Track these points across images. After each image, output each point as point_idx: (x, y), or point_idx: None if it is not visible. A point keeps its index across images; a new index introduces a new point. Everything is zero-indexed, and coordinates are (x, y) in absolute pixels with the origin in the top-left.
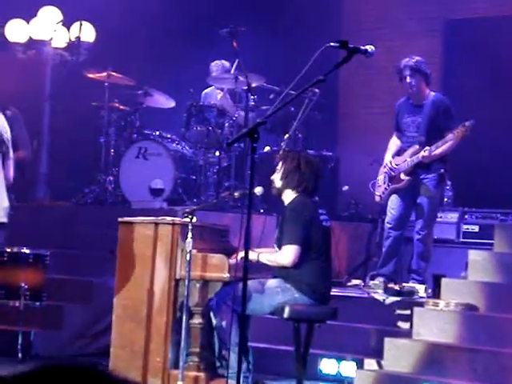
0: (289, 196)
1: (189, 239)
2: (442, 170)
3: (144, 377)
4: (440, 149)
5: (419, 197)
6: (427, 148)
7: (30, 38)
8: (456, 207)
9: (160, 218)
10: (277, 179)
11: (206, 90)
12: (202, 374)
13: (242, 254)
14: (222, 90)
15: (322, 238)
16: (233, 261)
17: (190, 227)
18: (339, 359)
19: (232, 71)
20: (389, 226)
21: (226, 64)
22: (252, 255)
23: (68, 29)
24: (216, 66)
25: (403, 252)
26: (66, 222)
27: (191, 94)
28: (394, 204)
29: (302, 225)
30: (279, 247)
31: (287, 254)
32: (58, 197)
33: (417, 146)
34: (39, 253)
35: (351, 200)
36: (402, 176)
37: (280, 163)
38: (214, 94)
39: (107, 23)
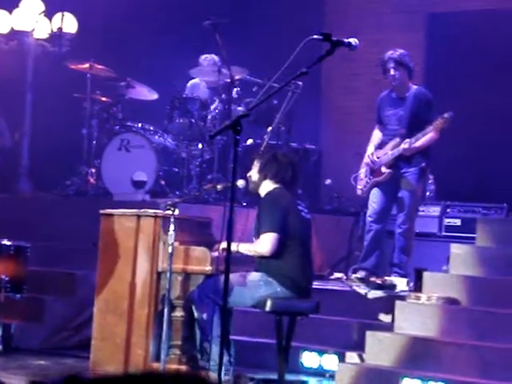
0: (266, 187)
1: (171, 232)
2: (424, 164)
3: (125, 370)
4: (420, 141)
5: (400, 190)
6: (407, 140)
7: (12, 29)
8: (438, 201)
9: (142, 210)
10: (254, 174)
11: (191, 82)
12: (183, 367)
13: (223, 245)
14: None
15: (301, 229)
16: (215, 253)
17: (172, 220)
18: (321, 352)
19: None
20: (370, 219)
21: (216, 58)
22: (232, 246)
23: (50, 20)
24: (206, 60)
25: (385, 246)
26: (48, 213)
27: (174, 86)
28: (375, 197)
29: (279, 213)
30: (257, 237)
31: (265, 243)
32: (40, 188)
33: (398, 139)
34: (20, 245)
35: (334, 193)
36: (383, 169)
37: (256, 160)
38: (200, 86)
39: (89, 14)
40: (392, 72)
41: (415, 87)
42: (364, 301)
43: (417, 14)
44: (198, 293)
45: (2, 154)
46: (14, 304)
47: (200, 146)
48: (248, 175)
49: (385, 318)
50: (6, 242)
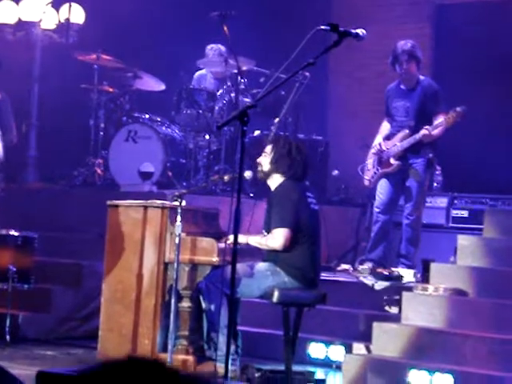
0: (276, 180)
1: (178, 223)
2: (431, 155)
3: None
4: (436, 130)
5: (408, 180)
6: (427, 127)
7: (19, 20)
8: (445, 192)
9: (149, 201)
10: (265, 163)
11: (198, 73)
12: (190, 357)
13: (231, 236)
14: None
15: (310, 221)
16: (222, 244)
17: (179, 211)
18: (328, 343)
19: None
20: (377, 210)
21: (223, 48)
22: (242, 238)
23: (57, 10)
24: (212, 49)
25: (392, 237)
26: (55, 204)
27: (181, 76)
28: (382, 188)
29: (290, 208)
30: (268, 232)
31: (278, 238)
32: (47, 179)
33: (406, 131)
34: (27, 235)
35: (341, 184)
36: (392, 160)
37: (270, 147)
38: (207, 77)
39: (97, 5)
40: (405, 65)
41: (422, 78)
42: (371, 292)
43: (424, 4)
44: (206, 283)
45: (8, 148)
46: (21, 294)
47: (207, 137)
48: (258, 161)
49: (392, 309)
50: (13, 232)
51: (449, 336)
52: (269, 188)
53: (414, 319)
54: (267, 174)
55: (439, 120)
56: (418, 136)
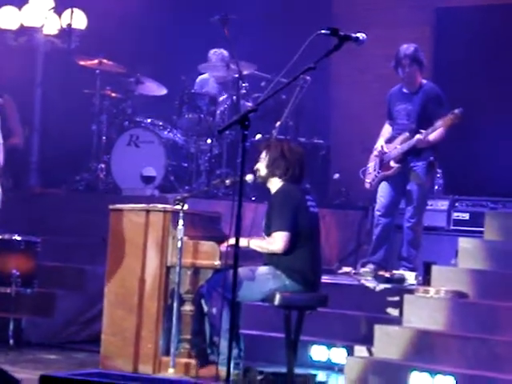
0: (275, 184)
1: (180, 226)
2: (432, 158)
3: (135, 363)
4: (432, 135)
5: (409, 183)
6: (422, 131)
7: (22, 25)
8: (446, 195)
9: (151, 205)
10: (262, 168)
11: (201, 77)
12: (192, 361)
13: (232, 240)
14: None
15: (310, 224)
16: (224, 248)
17: (181, 214)
18: (329, 346)
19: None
20: (378, 213)
21: (225, 53)
22: (242, 241)
23: (59, 16)
24: (215, 54)
25: (393, 239)
26: (58, 209)
27: (183, 81)
28: (383, 191)
29: (289, 211)
30: (268, 235)
31: (278, 241)
32: (50, 184)
33: (407, 134)
34: (30, 240)
35: (342, 188)
36: (392, 163)
37: (264, 152)
38: (209, 82)
39: (99, 10)
40: (407, 69)
41: (424, 82)
42: (372, 294)
43: (424, 8)
44: (207, 287)
45: (11, 152)
46: (24, 298)
47: (209, 141)
48: (255, 168)
49: (393, 311)
50: (16, 237)
51: (450, 338)
52: (269, 191)
53: (416, 322)
54: (266, 179)
55: (437, 123)
56: (412, 141)
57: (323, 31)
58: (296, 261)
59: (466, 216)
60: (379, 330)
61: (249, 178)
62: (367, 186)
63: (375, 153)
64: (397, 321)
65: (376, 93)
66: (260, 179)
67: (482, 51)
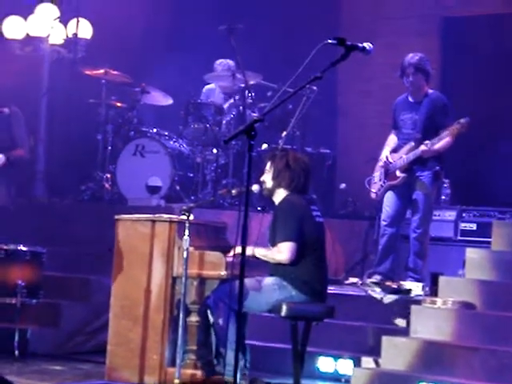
0: (280, 195)
1: (186, 237)
2: (438, 168)
3: (141, 374)
4: (438, 145)
5: (415, 193)
6: (427, 142)
7: (27, 35)
8: (454, 205)
9: (157, 215)
10: (268, 179)
11: (207, 87)
12: (198, 372)
13: (238, 249)
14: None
15: (315, 234)
16: (230, 258)
17: (187, 225)
18: (336, 357)
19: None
20: (384, 223)
21: (231, 63)
22: (248, 250)
23: (65, 25)
24: (221, 64)
25: (400, 250)
26: (63, 219)
27: (189, 91)
28: (389, 201)
29: (295, 222)
30: (273, 246)
31: (284, 251)
32: (55, 194)
33: (412, 143)
34: (36, 250)
35: (348, 198)
36: (398, 173)
37: (269, 163)
38: (215, 92)
39: (104, 20)
40: (411, 78)
41: (431, 91)
42: (379, 305)
43: (430, 18)
44: (213, 298)
45: (17, 163)
46: (29, 309)
47: (215, 150)
48: (261, 180)
49: (400, 322)
50: (21, 247)
51: (457, 349)
52: (273, 203)
53: (423, 332)
54: (272, 191)
55: (443, 133)
56: (418, 151)
57: (330, 41)
58: (302, 271)
59: (474, 226)
60: (386, 342)
61: (255, 188)
62: (373, 195)
63: (381, 163)
64: (404, 332)
65: (382, 102)
66: (266, 191)
67: (490, 60)
